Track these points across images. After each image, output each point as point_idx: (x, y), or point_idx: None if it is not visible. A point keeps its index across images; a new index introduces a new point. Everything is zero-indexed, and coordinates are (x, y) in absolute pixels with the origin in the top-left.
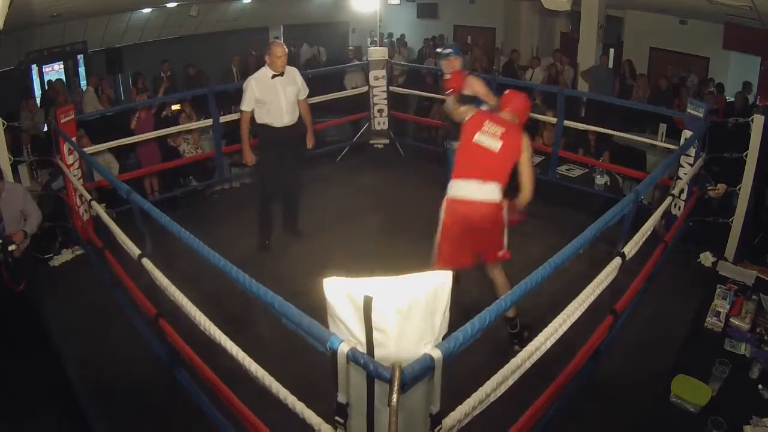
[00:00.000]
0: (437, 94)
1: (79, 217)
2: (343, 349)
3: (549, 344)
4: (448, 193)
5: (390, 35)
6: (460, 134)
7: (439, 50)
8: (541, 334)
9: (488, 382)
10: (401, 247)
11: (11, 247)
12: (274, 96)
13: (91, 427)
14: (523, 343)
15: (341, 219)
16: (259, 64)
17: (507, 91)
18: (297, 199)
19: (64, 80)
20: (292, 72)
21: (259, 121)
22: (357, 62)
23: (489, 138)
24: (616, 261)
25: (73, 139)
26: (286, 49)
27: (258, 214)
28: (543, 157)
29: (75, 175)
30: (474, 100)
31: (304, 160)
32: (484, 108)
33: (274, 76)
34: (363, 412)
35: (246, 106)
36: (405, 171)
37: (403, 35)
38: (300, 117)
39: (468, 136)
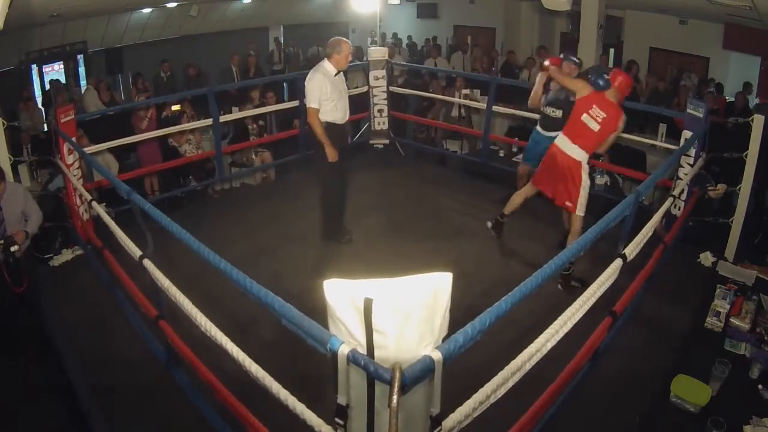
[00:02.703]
0: (437, 95)
1: (79, 217)
2: (344, 350)
3: (550, 346)
4: (556, 141)
5: (394, 35)
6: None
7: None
8: (541, 335)
9: (488, 384)
10: (401, 247)
11: (13, 248)
12: (339, 93)
13: (91, 427)
14: (567, 285)
15: None
16: (259, 64)
17: (614, 70)
18: (345, 197)
19: (64, 80)
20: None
21: (323, 118)
22: (357, 62)
23: (592, 121)
24: (617, 262)
25: (73, 139)
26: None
27: (325, 214)
28: None
29: (75, 175)
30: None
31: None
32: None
33: (336, 74)
34: (363, 414)
35: (317, 102)
36: (405, 171)
37: (410, 36)
38: None
39: (578, 112)
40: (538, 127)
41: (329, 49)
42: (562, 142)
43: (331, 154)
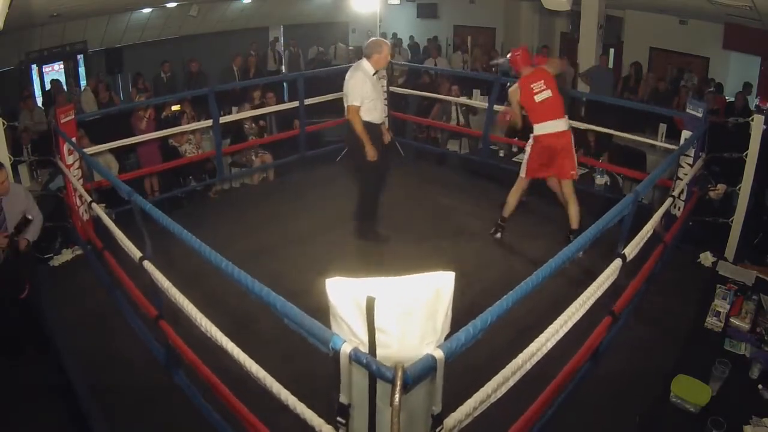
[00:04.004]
0: (436, 95)
1: (79, 217)
2: (346, 349)
3: (550, 345)
4: (535, 132)
5: (394, 35)
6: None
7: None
8: (542, 335)
9: (489, 383)
10: (402, 247)
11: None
12: (378, 93)
13: (91, 427)
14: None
15: (341, 219)
16: (259, 64)
17: (512, 59)
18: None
19: (64, 80)
20: (380, 71)
21: (363, 117)
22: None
23: (542, 93)
24: (617, 262)
25: (73, 139)
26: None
27: (364, 212)
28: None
29: (75, 176)
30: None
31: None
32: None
33: (374, 73)
34: (365, 412)
35: (359, 100)
36: (405, 171)
37: (411, 36)
38: None
39: (529, 99)
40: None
41: (369, 50)
42: (545, 128)
43: (371, 153)
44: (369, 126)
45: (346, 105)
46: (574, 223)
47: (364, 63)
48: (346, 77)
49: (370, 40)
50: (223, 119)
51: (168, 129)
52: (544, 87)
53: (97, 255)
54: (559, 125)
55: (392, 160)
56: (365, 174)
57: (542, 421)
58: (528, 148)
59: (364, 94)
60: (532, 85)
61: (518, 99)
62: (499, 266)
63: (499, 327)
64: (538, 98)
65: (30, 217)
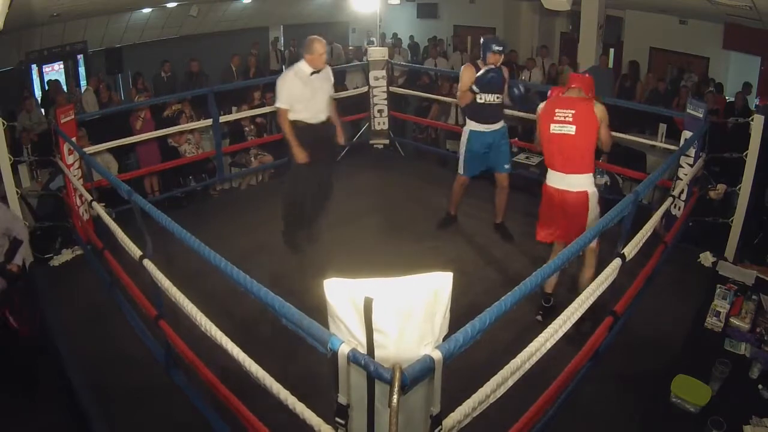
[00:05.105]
0: (436, 95)
1: (79, 217)
2: (344, 350)
3: (549, 345)
4: (548, 183)
5: (394, 35)
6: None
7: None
8: (541, 335)
9: (488, 383)
10: (401, 247)
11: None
12: (313, 93)
13: (90, 427)
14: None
15: (341, 219)
16: (259, 64)
17: (570, 74)
18: (326, 202)
19: (65, 80)
20: (327, 70)
21: (293, 117)
22: (357, 62)
23: (564, 126)
24: (616, 262)
25: (73, 139)
26: (326, 46)
27: (285, 217)
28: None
29: (75, 175)
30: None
31: (335, 161)
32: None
33: (312, 73)
34: (363, 413)
35: (284, 103)
36: (405, 171)
37: (411, 36)
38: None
39: (545, 128)
40: (473, 124)
41: (303, 49)
42: (550, 177)
43: (298, 154)
44: (301, 126)
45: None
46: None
47: (300, 63)
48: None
49: (307, 38)
50: (223, 118)
51: (166, 129)
52: (570, 120)
53: (97, 255)
54: (567, 182)
55: (342, 163)
56: (292, 177)
57: (542, 421)
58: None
59: (292, 95)
60: (556, 110)
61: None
62: (499, 266)
63: (498, 327)
64: (554, 129)
65: (18, 236)
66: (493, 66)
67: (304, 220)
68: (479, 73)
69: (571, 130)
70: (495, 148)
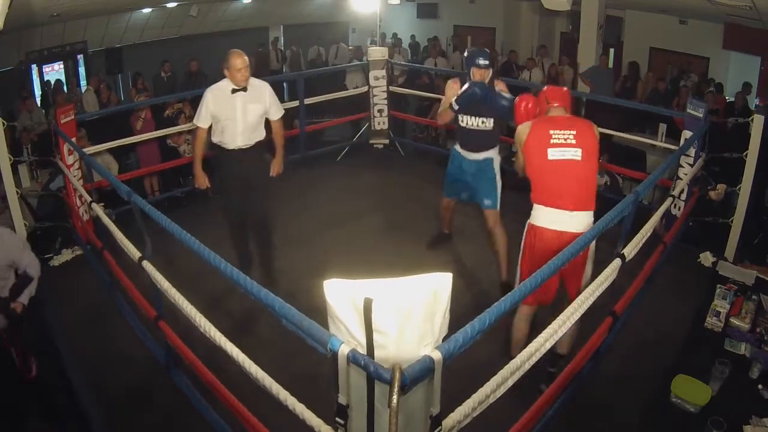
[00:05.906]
0: (436, 94)
1: (79, 217)
2: (344, 350)
3: (548, 345)
4: (533, 217)
5: (394, 35)
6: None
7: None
8: (540, 335)
9: (488, 383)
10: (401, 247)
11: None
12: (231, 113)
13: (90, 427)
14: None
15: (341, 219)
16: (259, 63)
17: (546, 87)
18: (265, 235)
19: (64, 80)
20: (261, 88)
21: (213, 139)
22: (357, 62)
23: (567, 149)
24: (616, 262)
25: (73, 139)
26: (248, 61)
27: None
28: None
29: (75, 176)
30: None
31: (268, 191)
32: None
33: (234, 91)
34: (363, 414)
35: (201, 121)
36: (405, 171)
37: (413, 36)
38: (262, 140)
39: (540, 152)
40: (457, 144)
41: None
42: (548, 216)
43: (199, 178)
44: (220, 150)
45: None
46: (564, 346)
47: (224, 79)
48: None
49: (228, 51)
50: None
51: (166, 129)
52: (574, 143)
53: (97, 255)
54: (577, 221)
55: (265, 199)
56: (225, 203)
57: (542, 421)
58: (522, 241)
59: (211, 112)
60: (552, 132)
61: (523, 147)
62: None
63: (498, 327)
64: (554, 155)
65: (28, 271)
66: (478, 81)
67: (245, 246)
68: (462, 90)
69: (576, 154)
70: (475, 180)
